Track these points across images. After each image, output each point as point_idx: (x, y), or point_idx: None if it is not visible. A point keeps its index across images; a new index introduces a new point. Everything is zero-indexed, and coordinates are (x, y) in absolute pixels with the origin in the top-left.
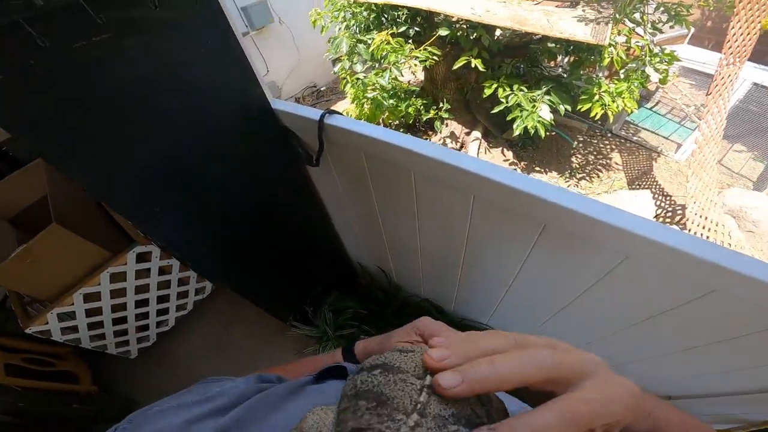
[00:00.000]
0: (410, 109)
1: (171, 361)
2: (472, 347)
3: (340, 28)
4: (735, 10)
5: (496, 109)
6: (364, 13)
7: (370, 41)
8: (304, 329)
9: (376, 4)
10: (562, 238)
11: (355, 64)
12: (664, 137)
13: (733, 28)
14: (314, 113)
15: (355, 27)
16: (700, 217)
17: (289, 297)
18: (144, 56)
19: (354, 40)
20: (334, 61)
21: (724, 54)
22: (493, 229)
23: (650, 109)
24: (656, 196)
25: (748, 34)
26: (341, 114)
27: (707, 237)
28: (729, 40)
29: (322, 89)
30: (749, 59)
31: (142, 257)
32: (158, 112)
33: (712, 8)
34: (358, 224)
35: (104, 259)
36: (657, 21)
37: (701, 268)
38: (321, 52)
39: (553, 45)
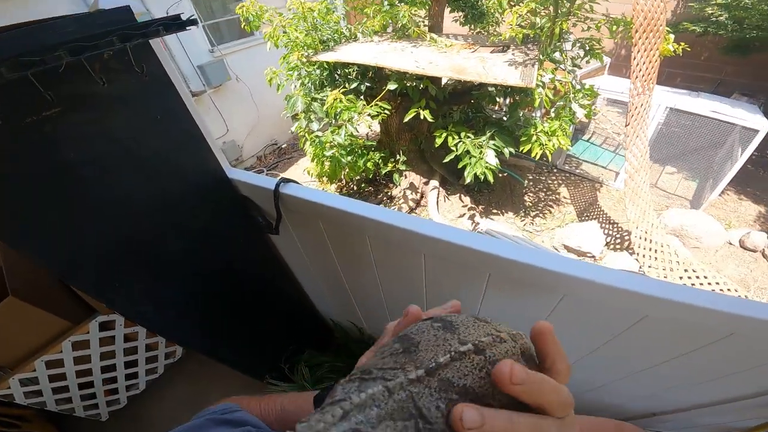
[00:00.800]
0: (369, 164)
1: (145, 423)
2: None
3: (295, 86)
4: (633, 40)
5: (447, 158)
6: (317, 71)
7: (324, 98)
8: (282, 386)
9: (327, 63)
10: (508, 283)
11: (312, 122)
12: (602, 167)
13: (635, 58)
14: (269, 182)
15: (309, 84)
16: (645, 240)
17: (262, 357)
18: (95, 132)
19: (309, 98)
20: (293, 118)
21: (632, 83)
22: (449, 279)
23: (587, 140)
24: (603, 225)
25: (649, 62)
26: (296, 182)
27: (655, 258)
28: (633, 70)
29: (283, 146)
30: (662, 84)
31: (105, 326)
32: (112, 187)
33: (617, 40)
34: (324, 283)
35: (65, 329)
36: (576, 57)
37: (631, 298)
38: (280, 109)
39: (493, 89)
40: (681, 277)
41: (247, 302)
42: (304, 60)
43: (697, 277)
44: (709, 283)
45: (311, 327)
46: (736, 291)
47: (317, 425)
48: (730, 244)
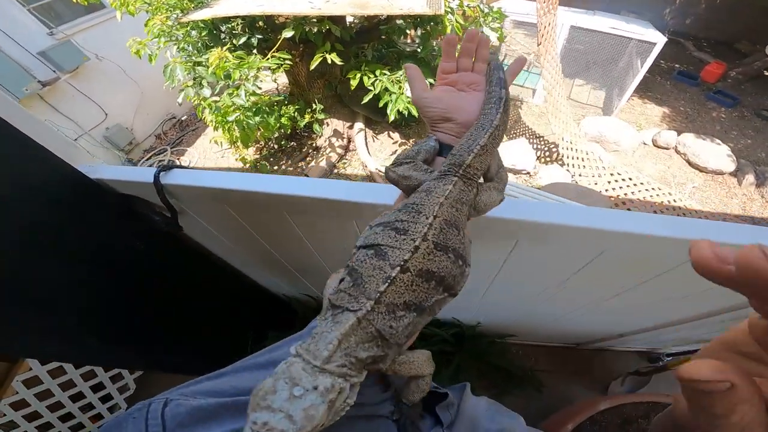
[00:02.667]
0: (283, 120)
1: None
2: None
3: (171, 54)
4: None
5: (365, 99)
6: (193, 33)
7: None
8: None
9: (204, 21)
10: None
11: (202, 88)
12: (520, 86)
13: None
14: (145, 174)
15: (189, 48)
16: (571, 150)
17: (222, 354)
18: None
19: (191, 63)
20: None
21: (538, 3)
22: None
23: (503, 63)
24: (531, 140)
25: None
26: (179, 166)
27: (583, 167)
28: None
29: (183, 118)
30: (561, 4)
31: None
32: None
33: None
34: (261, 264)
35: None
36: None
37: (589, 234)
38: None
39: (401, 22)
40: (609, 182)
41: (182, 307)
42: (171, 23)
43: (623, 180)
44: (635, 184)
45: (267, 309)
46: (659, 189)
47: (321, 350)
48: (645, 144)
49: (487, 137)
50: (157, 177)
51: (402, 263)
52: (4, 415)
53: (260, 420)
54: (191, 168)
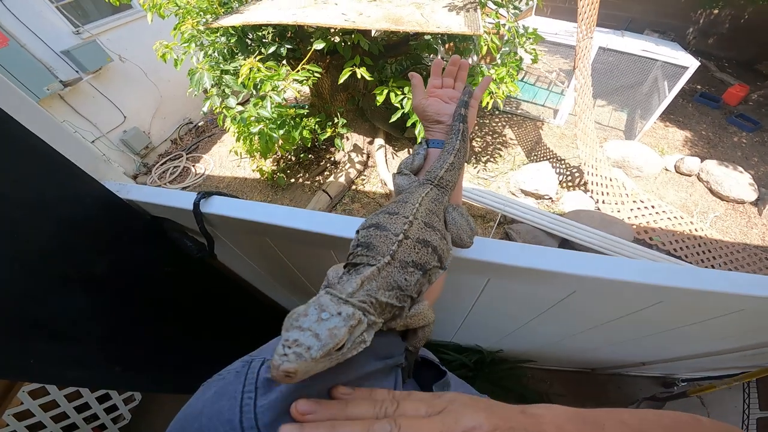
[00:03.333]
0: (305, 132)
1: None
2: (340, 411)
3: (197, 59)
4: None
5: (394, 117)
6: (222, 39)
7: (237, 69)
8: None
9: (234, 27)
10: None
11: (228, 97)
12: (540, 105)
13: (581, 4)
14: (183, 200)
15: (216, 55)
16: (596, 176)
17: None
18: None
19: (218, 71)
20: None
21: (579, 27)
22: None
23: (522, 80)
24: (554, 164)
25: (591, 6)
26: (220, 193)
27: (607, 193)
28: (580, 14)
29: (200, 124)
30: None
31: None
32: None
33: None
34: (285, 284)
35: None
36: None
37: (559, 278)
38: (186, 85)
39: (430, 38)
40: (632, 209)
41: (205, 328)
42: (202, 28)
43: (646, 207)
44: (657, 213)
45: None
46: (681, 218)
47: (345, 287)
48: (667, 170)
49: (452, 157)
50: (197, 204)
51: (404, 232)
52: (7, 425)
53: (292, 337)
54: (230, 196)
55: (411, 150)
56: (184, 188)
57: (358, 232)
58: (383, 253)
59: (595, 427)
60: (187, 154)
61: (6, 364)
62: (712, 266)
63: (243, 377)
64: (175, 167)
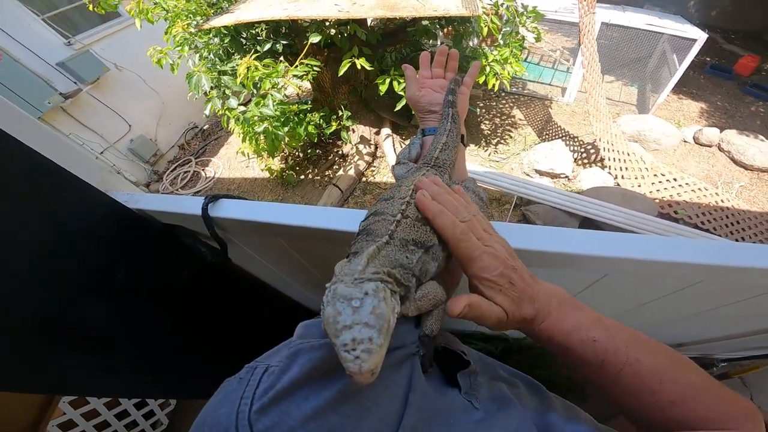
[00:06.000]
0: (310, 128)
1: None
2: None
3: (193, 62)
4: None
5: (398, 106)
6: (216, 40)
7: (235, 69)
8: None
9: (226, 27)
10: None
11: (228, 98)
12: (547, 84)
13: None
14: (190, 205)
15: (211, 56)
16: (612, 151)
17: None
18: None
19: (215, 72)
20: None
21: (580, 4)
22: None
23: (526, 60)
24: (567, 142)
25: None
26: (227, 196)
27: (625, 168)
28: None
29: (205, 128)
30: None
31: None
32: None
33: None
34: (305, 283)
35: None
36: None
37: (589, 262)
38: (187, 89)
39: (428, 23)
40: (653, 183)
41: (228, 330)
42: (193, 30)
43: (668, 181)
44: (680, 185)
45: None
46: (706, 189)
47: (353, 269)
48: (686, 142)
49: (445, 137)
50: (205, 209)
51: (401, 212)
52: None
53: (348, 339)
54: (238, 198)
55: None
56: (196, 193)
57: (360, 224)
58: (382, 234)
59: (578, 309)
60: (195, 159)
61: (44, 379)
62: (743, 238)
63: (245, 384)
64: (185, 173)
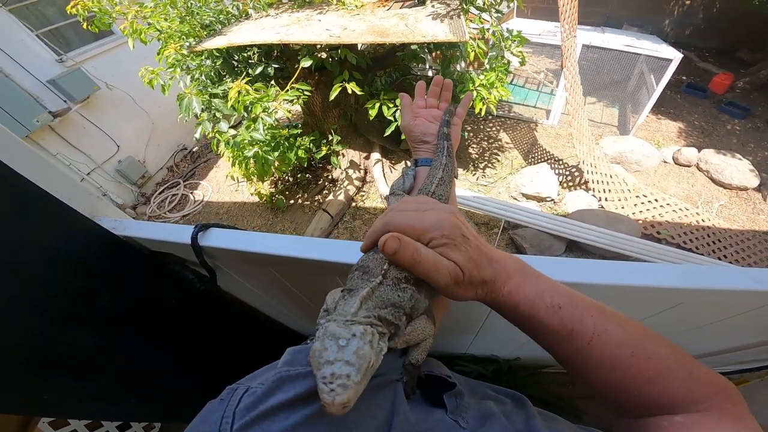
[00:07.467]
0: (300, 152)
1: None
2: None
3: (185, 83)
4: None
5: (388, 131)
6: (208, 62)
7: (226, 92)
8: None
9: (219, 49)
10: None
11: (219, 121)
12: (532, 106)
13: (562, 4)
14: (180, 234)
15: (203, 79)
16: (596, 174)
17: None
18: None
19: (206, 95)
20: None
21: (562, 27)
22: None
23: (511, 83)
24: (552, 165)
25: (572, 6)
26: (218, 225)
27: (609, 191)
28: (561, 14)
29: (195, 149)
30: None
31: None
32: None
33: None
34: (294, 310)
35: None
36: (495, 2)
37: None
38: (177, 110)
39: (417, 47)
40: (636, 204)
41: (216, 355)
42: (186, 52)
43: (649, 201)
44: (662, 206)
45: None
46: (687, 209)
47: (347, 309)
48: (665, 162)
49: (441, 172)
50: (195, 238)
51: None
52: None
53: (327, 373)
54: (228, 227)
55: (408, 162)
56: (183, 216)
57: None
58: (376, 274)
59: (537, 275)
60: (184, 182)
61: (23, 400)
62: (725, 256)
63: (225, 404)
64: (173, 195)
